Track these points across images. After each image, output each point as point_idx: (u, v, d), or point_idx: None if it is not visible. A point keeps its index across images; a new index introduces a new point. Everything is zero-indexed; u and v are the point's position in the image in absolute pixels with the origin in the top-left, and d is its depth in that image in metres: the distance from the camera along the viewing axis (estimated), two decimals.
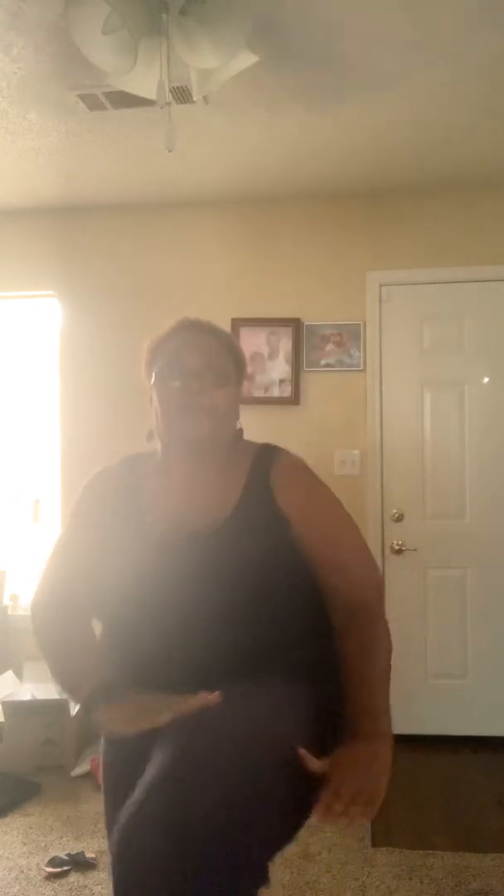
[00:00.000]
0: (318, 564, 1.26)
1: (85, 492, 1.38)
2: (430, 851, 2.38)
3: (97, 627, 1.31)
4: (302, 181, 3.23)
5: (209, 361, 1.28)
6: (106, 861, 2.37)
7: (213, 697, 1.04)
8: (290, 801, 1.07)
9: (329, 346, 3.38)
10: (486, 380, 3.34)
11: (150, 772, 1.01)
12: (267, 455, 1.32)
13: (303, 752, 1.07)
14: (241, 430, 1.37)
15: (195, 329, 1.35)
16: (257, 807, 0.99)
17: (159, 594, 1.19)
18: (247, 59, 1.90)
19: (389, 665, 1.25)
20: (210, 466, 1.30)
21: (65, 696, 3.15)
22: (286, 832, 1.11)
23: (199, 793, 0.95)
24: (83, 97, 2.45)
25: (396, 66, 2.28)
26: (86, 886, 2.24)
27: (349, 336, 3.37)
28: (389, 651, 1.26)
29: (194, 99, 2.30)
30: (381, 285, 3.38)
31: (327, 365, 3.39)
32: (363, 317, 3.38)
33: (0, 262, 3.60)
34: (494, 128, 2.73)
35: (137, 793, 0.99)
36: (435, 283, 3.37)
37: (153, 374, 1.32)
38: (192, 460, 1.30)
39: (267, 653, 1.19)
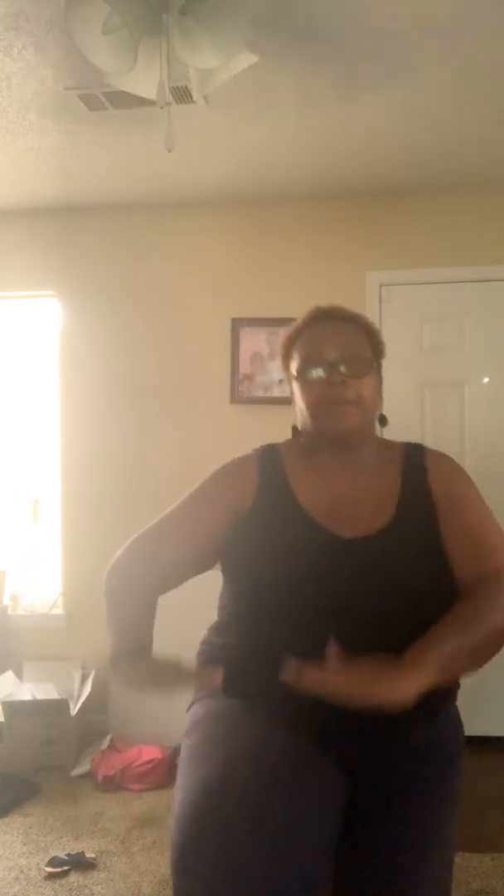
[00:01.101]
0: (469, 548, 1.20)
1: (215, 475, 1.33)
2: None
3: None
4: (302, 181, 3.23)
5: (349, 350, 1.27)
6: (105, 863, 2.37)
7: (215, 677, 1.08)
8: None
9: None
10: (486, 380, 3.34)
11: None
12: (418, 453, 1.32)
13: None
14: (384, 417, 1.38)
15: (330, 317, 1.33)
16: None
17: (323, 593, 1.14)
18: (247, 59, 1.90)
19: (492, 635, 1.11)
20: (361, 460, 1.30)
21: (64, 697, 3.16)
22: None
23: None
24: (83, 97, 2.44)
25: (397, 66, 2.28)
26: (86, 886, 2.24)
27: None
28: (499, 616, 1.12)
29: (194, 99, 2.31)
30: (381, 285, 3.38)
31: None
32: None
33: (0, 262, 3.60)
34: (496, 128, 2.72)
35: None
36: (435, 283, 3.37)
37: (292, 368, 1.31)
38: (343, 452, 1.29)
39: None
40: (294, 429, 1.37)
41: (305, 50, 2.17)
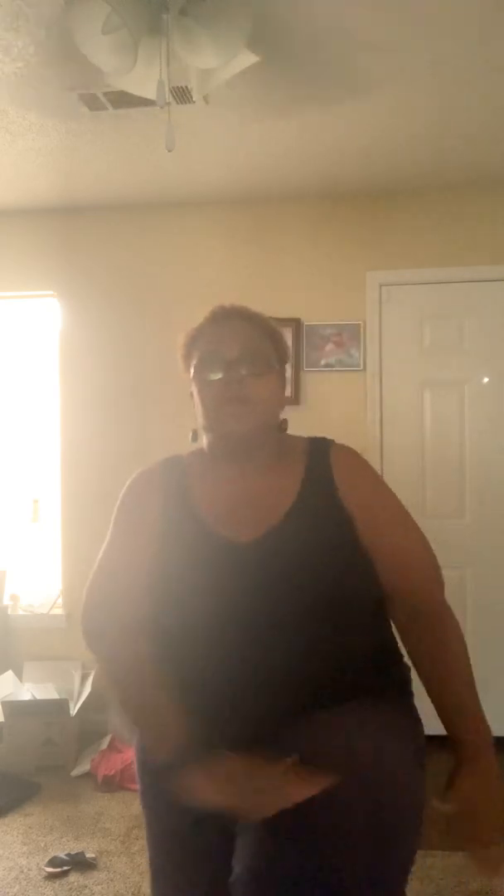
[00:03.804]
0: (382, 562, 1.18)
1: (128, 496, 1.29)
2: (430, 851, 2.38)
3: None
4: (302, 181, 3.23)
5: (248, 349, 1.21)
6: (105, 863, 2.37)
7: (314, 786, 0.98)
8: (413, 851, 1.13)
9: (329, 346, 3.38)
10: (486, 380, 3.34)
11: (249, 862, 1.03)
12: (324, 448, 1.25)
13: (436, 802, 1.10)
14: (285, 422, 1.30)
15: (231, 316, 1.27)
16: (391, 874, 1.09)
17: (226, 603, 1.11)
18: (247, 59, 1.90)
19: (469, 662, 1.19)
20: (262, 462, 1.24)
21: (64, 699, 3.16)
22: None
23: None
24: (83, 97, 2.44)
25: (397, 66, 2.27)
26: (86, 886, 2.25)
27: (349, 336, 3.37)
28: (464, 647, 1.19)
29: (194, 99, 2.31)
30: (381, 285, 3.38)
31: (327, 365, 3.38)
32: (363, 317, 3.38)
33: (0, 262, 3.60)
34: (495, 129, 2.72)
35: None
36: (435, 283, 3.37)
37: (191, 368, 1.26)
38: (242, 457, 1.23)
39: (341, 668, 1.12)
40: (194, 432, 1.32)
41: (306, 50, 2.17)
